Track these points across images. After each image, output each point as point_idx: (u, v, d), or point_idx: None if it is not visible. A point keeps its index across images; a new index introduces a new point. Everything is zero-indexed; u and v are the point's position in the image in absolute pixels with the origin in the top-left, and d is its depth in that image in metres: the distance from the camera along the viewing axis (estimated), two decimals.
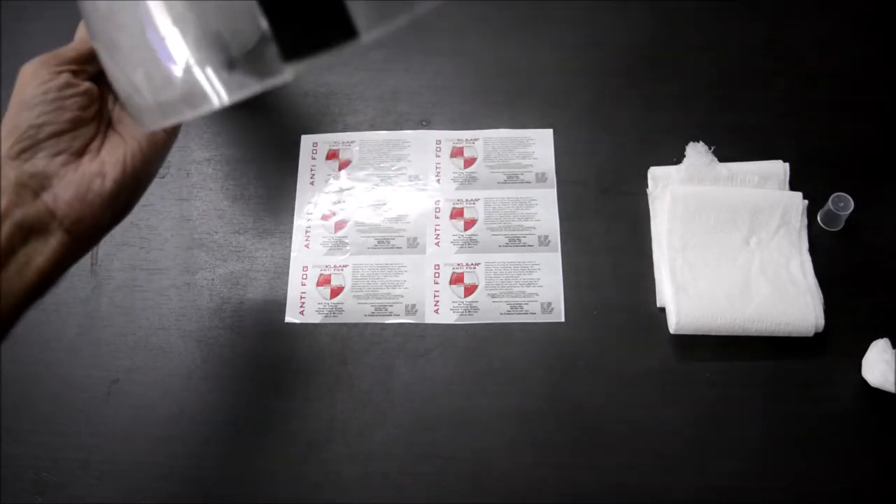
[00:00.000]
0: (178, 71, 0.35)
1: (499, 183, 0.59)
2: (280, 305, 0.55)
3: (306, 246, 0.57)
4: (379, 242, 0.57)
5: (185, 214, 0.59)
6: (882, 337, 0.51)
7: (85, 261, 0.57)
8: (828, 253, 0.55)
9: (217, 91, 0.34)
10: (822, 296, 0.53)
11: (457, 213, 0.58)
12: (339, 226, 0.58)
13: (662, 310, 0.54)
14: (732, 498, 0.49)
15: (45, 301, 0.55)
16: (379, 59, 0.65)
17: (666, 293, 0.54)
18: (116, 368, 0.54)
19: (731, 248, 0.55)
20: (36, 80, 0.40)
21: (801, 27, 0.64)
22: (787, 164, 0.57)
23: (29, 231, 0.37)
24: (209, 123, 0.63)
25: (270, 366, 0.53)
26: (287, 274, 0.56)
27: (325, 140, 0.61)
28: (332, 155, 0.60)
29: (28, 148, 0.38)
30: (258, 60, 0.32)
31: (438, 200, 0.59)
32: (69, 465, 0.51)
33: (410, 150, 0.60)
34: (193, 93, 0.35)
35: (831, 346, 0.53)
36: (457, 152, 0.60)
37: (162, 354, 0.54)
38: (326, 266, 0.57)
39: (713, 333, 0.52)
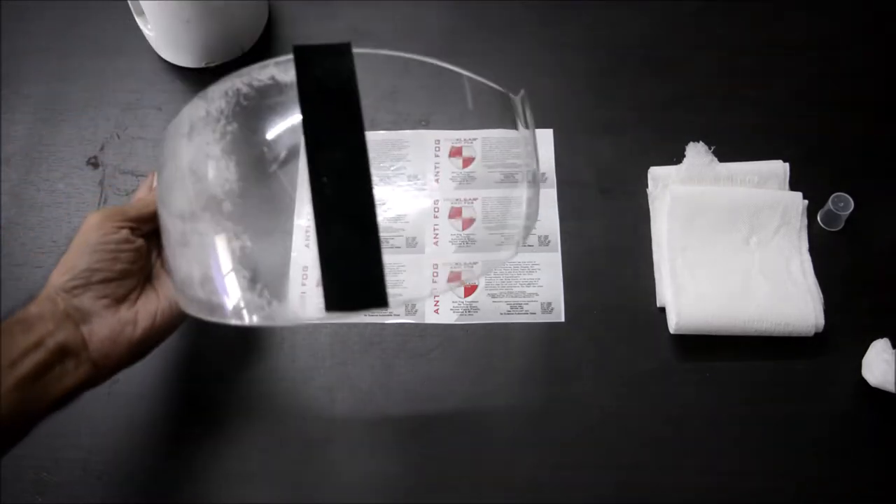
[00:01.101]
0: (231, 293, 0.44)
1: (496, 182, 0.59)
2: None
3: (306, 246, 0.57)
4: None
5: None
6: (882, 337, 0.51)
7: None
8: (828, 253, 0.55)
9: (261, 317, 0.43)
10: (822, 296, 0.53)
11: (455, 213, 0.58)
12: None
13: (662, 310, 0.54)
14: (732, 498, 0.49)
15: None
16: (379, 60, 0.65)
17: (666, 293, 0.54)
18: None
19: (731, 248, 0.55)
20: (100, 230, 0.45)
21: (802, 27, 0.65)
22: (787, 164, 0.57)
23: (65, 354, 0.42)
24: None
25: (271, 366, 0.53)
26: (287, 274, 0.56)
27: None
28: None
29: (80, 286, 0.44)
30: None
31: (437, 200, 0.58)
32: (69, 465, 0.51)
33: (409, 149, 0.60)
34: (239, 310, 0.43)
35: (831, 346, 0.53)
36: (455, 152, 0.60)
37: (162, 354, 0.54)
38: None
39: (713, 333, 0.52)
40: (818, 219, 0.57)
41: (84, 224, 0.46)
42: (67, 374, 0.42)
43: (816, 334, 0.52)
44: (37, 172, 0.61)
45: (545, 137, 0.60)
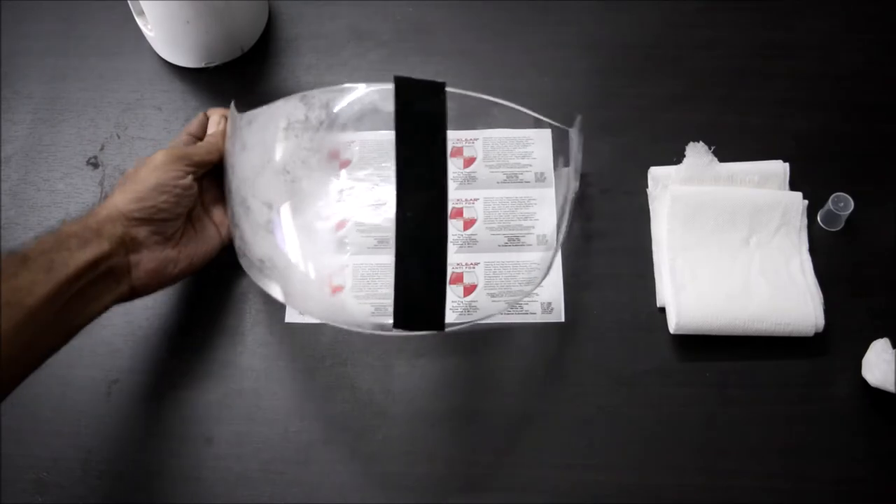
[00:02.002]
0: (312, 291, 0.51)
1: (498, 183, 0.59)
2: (280, 305, 0.55)
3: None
4: (379, 242, 0.57)
5: None
6: (882, 337, 0.51)
7: None
8: (828, 253, 0.55)
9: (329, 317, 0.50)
10: (822, 296, 0.53)
11: (456, 213, 0.58)
12: (339, 226, 0.58)
13: (662, 310, 0.54)
14: (732, 498, 0.49)
15: None
16: (379, 59, 0.65)
17: (666, 293, 0.54)
18: (116, 368, 0.54)
19: (731, 248, 0.55)
20: (170, 172, 0.48)
21: (801, 27, 0.65)
22: (787, 164, 0.57)
23: (111, 276, 0.46)
24: None
25: (271, 366, 0.53)
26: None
27: None
28: (332, 155, 0.60)
29: (141, 219, 0.47)
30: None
31: None
32: (69, 465, 0.51)
33: None
34: (318, 309, 0.51)
35: (831, 346, 0.53)
36: (456, 152, 0.60)
37: (162, 354, 0.54)
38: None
39: (713, 333, 0.52)
40: (818, 219, 0.57)
41: (153, 159, 0.49)
42: (109, 293, 0.45)
43: (816, 334, 0.52)
44: (37, 172, 0.61)
45: (545, 137, 0.60)
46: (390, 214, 0.57)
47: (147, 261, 0.47)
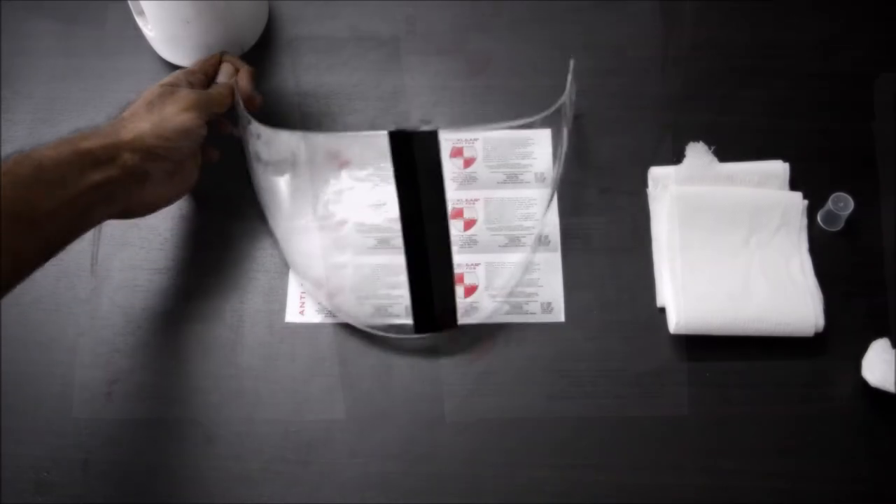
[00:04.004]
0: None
1: (498, 183, 0.59)
2: (280, 305, 0.55)
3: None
4: (379, 242, 0.57)
5: (184, 214, 0.59)
6: (882, 337, 0.51)
7: (85, 261, 0.57)
8: (828, 253, 0.55)
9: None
10: (822, 296, 0.53)
11: (456, 214, 0.58)
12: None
13: (662, 310, 0.54)
14: (732, 498, 0.49)
15: (45, 301, 0.56)
16: (379, 59, 0.65)
17: (666, 293, 0.54)
18: (116, 368, 0.54)
19: (731, 248, 0.55)
20: (197, 120, 0.50)
21: (801, 27, 0.65)
22: (787, 164, 0.57)
23: (111, 197, 0.46)
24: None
25: (270, 366, 0.53)
26: (287, 274, 0.56)
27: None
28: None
29: (163, 158, 0.49)
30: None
31: None
32: (69, 465, 0.51)
33: None
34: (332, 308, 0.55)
35: (831, 346, 0.53)
36: (456, 152, 0.60)
37: (162, 354, 0.54)
38: None
39: (713, 333, 0.52)
40: (818, 219, 0.57)
41: (183, 99, 0.50)
42: (103, 213, 0.47)
43: (816, 334, 0.52)
44: None
45: (544, 137, 0.60)
46: (391, 214, 0.58)
47: (145, 195, 0.49)
